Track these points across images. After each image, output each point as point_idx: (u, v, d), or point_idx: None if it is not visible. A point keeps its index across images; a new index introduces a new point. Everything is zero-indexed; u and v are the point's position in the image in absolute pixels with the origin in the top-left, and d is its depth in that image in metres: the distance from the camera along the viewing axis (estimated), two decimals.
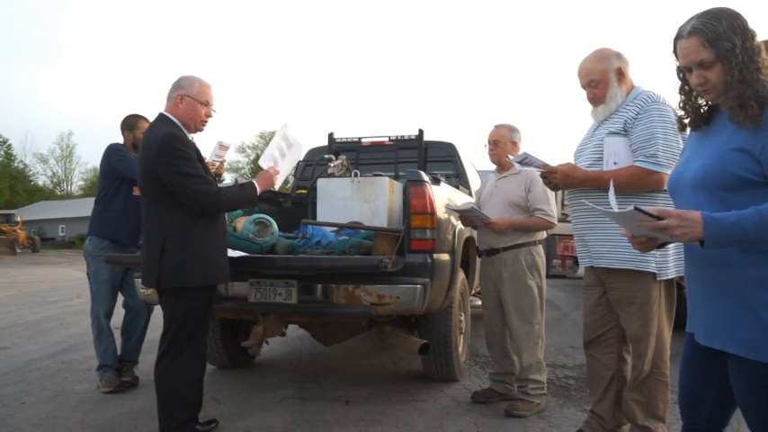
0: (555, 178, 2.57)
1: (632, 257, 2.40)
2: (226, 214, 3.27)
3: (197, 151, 2.75)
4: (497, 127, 3.57)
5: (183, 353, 2.69)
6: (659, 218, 1.45)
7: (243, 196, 2.82)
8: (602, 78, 2.53)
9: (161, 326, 2.76)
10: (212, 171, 3.19)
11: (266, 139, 54.05)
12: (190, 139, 2.79)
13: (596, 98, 2.58)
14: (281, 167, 3.06)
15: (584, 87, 2.61)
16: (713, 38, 1.52)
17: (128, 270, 3.91)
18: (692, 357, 1.71)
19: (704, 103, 1.66)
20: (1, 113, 69.55)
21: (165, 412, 2.69)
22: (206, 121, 2.82)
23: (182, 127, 2.75)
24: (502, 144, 3.49)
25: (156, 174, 2.62)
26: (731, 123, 1.54)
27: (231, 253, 3.09)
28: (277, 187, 3.12)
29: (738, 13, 1.55)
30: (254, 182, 2.87)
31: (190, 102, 2.74)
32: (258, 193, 2.84)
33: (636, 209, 1.46)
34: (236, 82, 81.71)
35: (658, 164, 2.36)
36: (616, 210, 1.57)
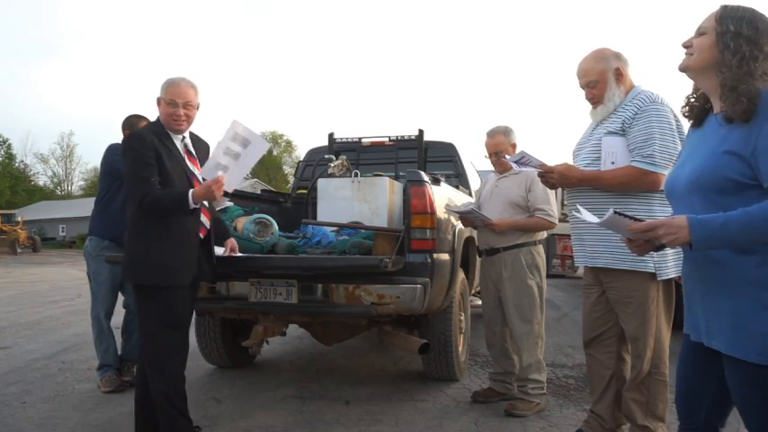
0: (552, 178, 2.58)
1: (629, 257, 2.40)
2: (220, 214, 3.26)
3: (171, 150, 2.68)
4: (492, 136, 3.52)
5: (158, 353, 2.68)
6: (640, 220, 1.50)
7: (167, 204, 2.64)
8: (600, 78, 2.53)
9: None
10: None
11: (267, 139, 54.04)
12: (173, 139, 2.74)
13: (595, 98, 2.58)
14: (238, 169, 2.77)
15: (582, 87, 2.61)
16: (724, 16, 1.56)
17: None
18: (689, 358, 1.71)
19: (704, 101, 1.66)
20: (2, 113, 69.66)
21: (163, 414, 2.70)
22: (178, 121, 2.70)
23: (166, 128, 2.75)
24: (504, 153, 3.47)
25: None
26: (723, 126, 1.54)
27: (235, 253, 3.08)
28: (232, 189, 2.85)
29: (763, 16, 1.56)
30: (189, 192, 2.61)
31: (162, 104, 2.74)
32: (190, 205, 2.60)
33: (615, 212, 1.51)
34: (238, 82, 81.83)
35: (655, 164, 2.36)
36: (596, 220, 1.62)
